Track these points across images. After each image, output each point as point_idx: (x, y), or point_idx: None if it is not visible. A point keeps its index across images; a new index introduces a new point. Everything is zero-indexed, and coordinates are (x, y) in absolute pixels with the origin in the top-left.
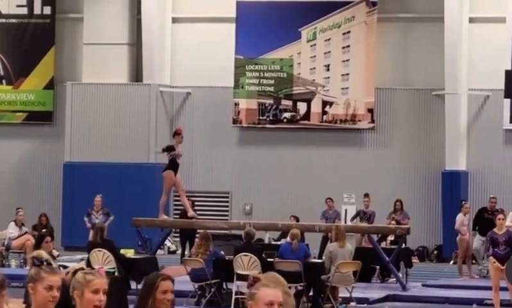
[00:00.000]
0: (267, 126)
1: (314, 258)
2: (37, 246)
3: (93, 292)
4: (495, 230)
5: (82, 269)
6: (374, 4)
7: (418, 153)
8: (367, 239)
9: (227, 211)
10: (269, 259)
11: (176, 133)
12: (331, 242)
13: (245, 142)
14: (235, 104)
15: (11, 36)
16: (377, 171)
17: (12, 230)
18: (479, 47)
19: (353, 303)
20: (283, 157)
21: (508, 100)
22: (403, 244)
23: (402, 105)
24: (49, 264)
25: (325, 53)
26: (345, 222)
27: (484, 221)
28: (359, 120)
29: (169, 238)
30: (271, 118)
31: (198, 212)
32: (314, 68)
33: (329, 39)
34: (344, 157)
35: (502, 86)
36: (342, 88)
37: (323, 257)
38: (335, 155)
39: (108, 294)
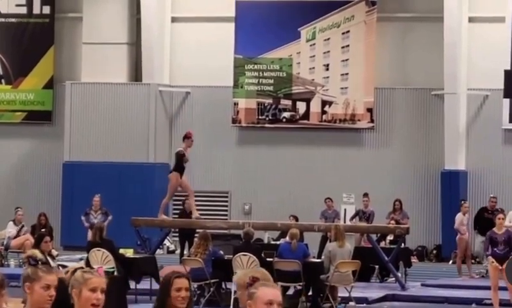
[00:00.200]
0: (267, 125)
1: (313, 257)
2: (36, 245)
3: (90, 291)
4: (495, 229)
5: (81, 268)
6: (373, 3)
7: (417, 152)
8: (367, 238)
9: (226, 211)
10: (268, 259)
11: (186, 137)
12: (330, 241)
13: (244, 141)
14: (235, 103)
15: (11, 36)
16: (376, 170)
17: (11, 229)
18: (478, 46)
19: (352, 303)
20: (283, 157)
21: (507, 100)
22: (403, 244)
23: (401, 105)
24: (44, 263)
25: (324, 53)
26: (344, 222)
27: (484, 220)
28: (358, 120)
29: (168, 238)
30: (270, 118)
31: (197, 212)
32: (313, 67)
33: (328, 39)
34: (343, 157)
35: (501, 86)
36: (342, 88)
37: (322, 257)
38: (335, 155)
39: (107, 293)
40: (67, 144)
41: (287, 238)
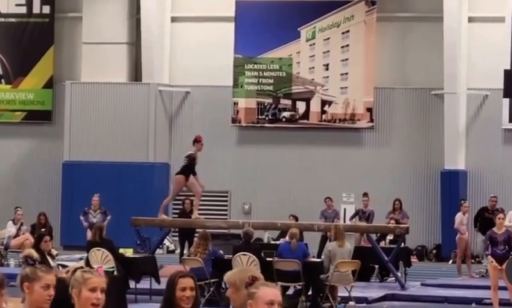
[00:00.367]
0: (266, 125)
1: (313, 257)
2: (36, 245)
3: (90, 291)
4: (495, 229)
5: (81, 267)
6: (373, 3)
7: (416, 152)
8: (366, 238)
9: (226, 210)
10: (268, 258)
11: (196, 141)
12: (330, 241)
13: (244, 141)
14: (234, 103)
15: (10, 36)
16: (376, 170)
17: (11, 229)
18: (478, 46)
19: (352, 303)
20: (282, 156)
21: (507, 99)
22: (402, 244)
23: (401, 104)
24: (40, 263)
25: (324, 52)
26: (344, 222)
27: (485, 220)
28: (358, 120)
29: (168, 237)
30: (270, 117)
31: (197, 211)
32: (313, 67)
33: (328, 38)
34: (343, 156)
35: (501, 86)
36: (341, 88)
37: (322, 256)
38: (334, 154)
39: (106, 293)
40: (67, 143)
41: (287, 238)
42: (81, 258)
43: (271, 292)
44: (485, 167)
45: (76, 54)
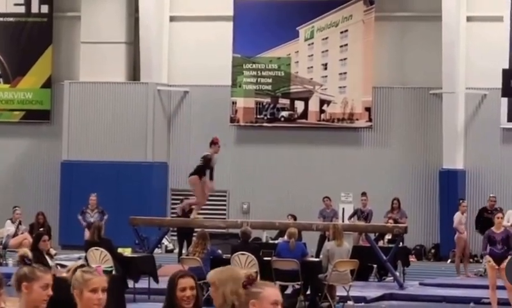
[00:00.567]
0: (265, 124)
1: (312, 257)
2: (34, 244)
3: (91, 292)
4: (493, 228)
5: (81, 266)
6: (371, 2)
7: (415, 151)
8: (365, 237)
9: (224, 210)
10: (266, 258)
11: (213, 143)
12: (328, 240)
13: (242, 140)
14: (233, 102)
15: (9, 35)
16: (375, 169)
17: (9, 228)
18: (477, 45)
19: (350, 302)
20: (281, 156)
21: (505, 99)
22: (401, 243)
23: (400, 104)
24: (38, 263)
25: (323, 52)
26: (342, 221)
27: (484, 220)
28: (357, 119)
29: (166, 237)
30: (268, 117)
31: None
32: (312, 67)
33: (327, 38)
34: (341, 156)
35: (500, 85)
36: (340, 87)
37: (321, 256)
38: (333, 154)
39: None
40: (65, 143)
41: (285, 237)
42: (79, 258)
43: (274, 292)
44: (483, 166)
45: (75, 54)
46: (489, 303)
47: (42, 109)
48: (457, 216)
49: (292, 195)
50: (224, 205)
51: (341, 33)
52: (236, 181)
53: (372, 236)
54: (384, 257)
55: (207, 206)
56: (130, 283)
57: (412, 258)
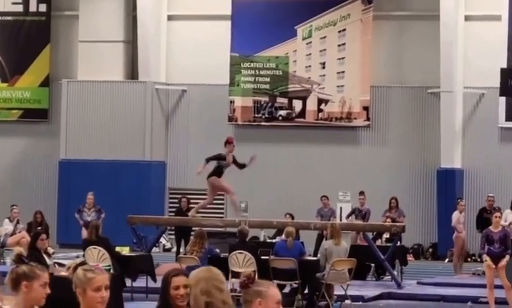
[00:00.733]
0: (263, 123)
1: (309, 255)
2: (32, 243)
3: (95, 290)
4: (491, 227)
5: (82, 263)
6: (369, 1)
7: (413, 150)
8: (363, 236)
9: (222, 209)
10: (264, 257)
11: (228, 142)
12: (326, 239)
13: (240, 139)
14: (231, 101)
15: (7, 34)
16: (372, 168)
17: (7, 226)
18: (475, 45)
19: (348, 301)
20: (279, 155)
21: (503, 98)
22: (399, 242)
23: (397, 103)
24: (36, 261)
25: (321, 51)
26: (340, 220)
27: (484, 220)
28: (355, 118)
29: (164, 236)
30: (266, 116)
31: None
32: (310, 66)
33: (324, 37)
34: (339, 155)
35: (498, 84)
36: (338, 86)
37: (318, 255)
38: (331, 153)
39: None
40: (63, 141)
41: (283, 236)
42: (77, 256)
43: (277, 292)
44: (481, 165)
45: (73, 53)
46: (487, 303)
47: (40, 108)
48: (456, 215)
49: (290, 194)
50: (222, 204)
51: (339, 32)
52: (234, 180)
53: (370, 235)
54: (382, 256)
55: None
56: (128, 282)
57: (410, 258)
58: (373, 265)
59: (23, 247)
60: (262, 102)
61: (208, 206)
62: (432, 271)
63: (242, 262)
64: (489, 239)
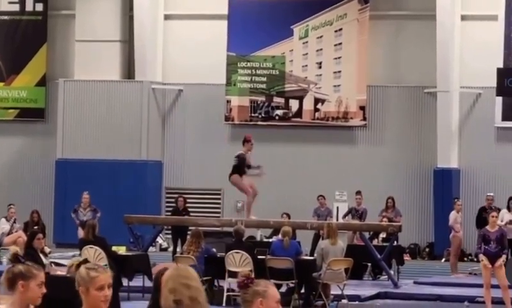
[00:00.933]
0: (259, 123)
1: (306, 255)
2: (29, 242)
3: (98, 289)
4: (488, 227)
5: (85, 261)
6: (366, 1)
7: (409, 150)
8: (359, 236)
9: (219, 208)
10: (260, 256)
11: (246, 140)
12: (323, 239)
13: (237, 139)
14: (227, 101)
15: (3, 33)
16: (369, 168)
17: (4, 226)
18: (471, 44)
19: (344, 301)
20: (275, 154)
21: (500, 98)
22: (395, 242)
23: (394, 103)
24: (33, 261)
25: (317, 51)
26: (337, 220)
27: (484, 219)
28: (351, 118)
29: (160, 235)
30: (263, 115)
31: (190, 209)
32: (306, 65)
33: (321, 36)
34: (336, 154)
35: (494, 84)
36: (334, 86)
37: (315, 254)
38: (327, 152)
39: None
40: (60, 141)
41: (279, 235)
42: (73, 256)
43: (276, 291)
44: (478, 165)
45: (69, 52)
46: (484, 302)
47: (37, 107)
48: (453, 215)
49: (287, 193)
50: (219, 204)
51: (336, 31)
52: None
53: (366, 235)
54: (378, 256)
55: (201, 204)
56: (125, 282)
57: (406, 257)
58: (369, 264)
59: (19, 246)
60: (259, 102)
61: (205, 205)
62: (429, 271)
63: (239, 261)
64: (486, 238)
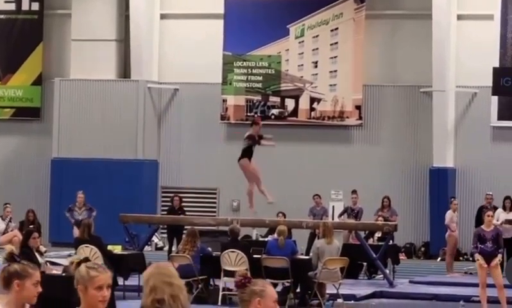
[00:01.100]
0: None
1: (301, 254)
2: (24, 241)
3: (96, 289)
4: (483, 226)
5: (86, 259)
6: (362, 1)
7: (405, 149)
8: (355, 235)
9: (214, 207)
10: (256, 256)
11: (255, 123)
12: (318, 238)
13: (233, 138)
14: (223, 100)
15: None
16: (365, 167)
17: None
18: (467, 44)
19: (340, 300)
20: (271, 153)
21: (495, 97)
22: (391, 241)
23: (390, 102)
24: (29, 260)
25: (313, 50)
26: (333, 219)
27: (482, 219)
28: (347, 117)
29: (156, 234)
30: (258, 114)
31: (186, 208)
32: (302, 65)
33: (317, 36)
34: (331, 154)
35: (490, 84)
36: (330, 85)
37: (310, 254)
38: (323, 152)
39: None
40: (56, 140)
41: (275, 235)
42: (69, 255)
43: (274, 290)
44: (474, 164)
45: (65, 51)
46: (479, 302)
47: (33, 106)
48: (449, 214)
49: (282, 193)
50: (214, 203)
51: (332, 31)
52: (226, 179)
53: (362, 234)
54: (374, 255)
55: (197, 203)
56: (120, 281)
57: (402, 256)
58: (365, 264)
59: (15, 245)
60: (255, 101)
61: (201, 205)
62: (424, 270)
63: (234, 260)
64: (482, 237)
